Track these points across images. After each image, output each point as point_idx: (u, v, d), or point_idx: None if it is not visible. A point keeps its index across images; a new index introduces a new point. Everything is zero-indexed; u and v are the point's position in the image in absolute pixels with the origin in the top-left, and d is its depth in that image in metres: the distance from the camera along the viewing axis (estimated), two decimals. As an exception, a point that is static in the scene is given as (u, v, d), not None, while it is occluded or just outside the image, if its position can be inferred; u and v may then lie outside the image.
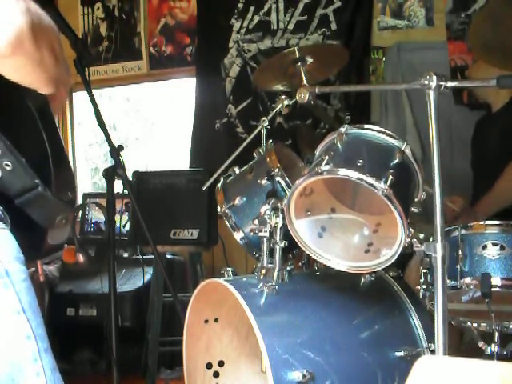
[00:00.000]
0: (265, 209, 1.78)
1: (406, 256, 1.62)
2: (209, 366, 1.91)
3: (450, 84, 1.45)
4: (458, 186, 2.82)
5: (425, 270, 1.88)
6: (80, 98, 4.37)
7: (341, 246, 1.65)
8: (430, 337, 1.69)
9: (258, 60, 3.92)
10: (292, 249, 1.89)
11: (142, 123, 5.41)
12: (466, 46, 3.40)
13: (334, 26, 3.74)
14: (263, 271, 1.76)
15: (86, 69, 2.28)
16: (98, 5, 4.42)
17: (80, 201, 3.89)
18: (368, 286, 1.85)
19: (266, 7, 3.91)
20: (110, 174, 2.36)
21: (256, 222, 1.80)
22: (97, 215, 3.83)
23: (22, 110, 1.13)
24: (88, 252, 2.71)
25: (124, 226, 3.30)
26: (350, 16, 3.70)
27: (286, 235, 1.71)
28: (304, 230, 1.63)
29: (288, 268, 1.76)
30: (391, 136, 1.63)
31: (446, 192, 1.41)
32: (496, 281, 1.75)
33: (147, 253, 3.08)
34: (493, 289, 1.73)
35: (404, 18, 3.62)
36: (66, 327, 3.28)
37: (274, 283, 1.68)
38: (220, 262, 3.26)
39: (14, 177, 1.03)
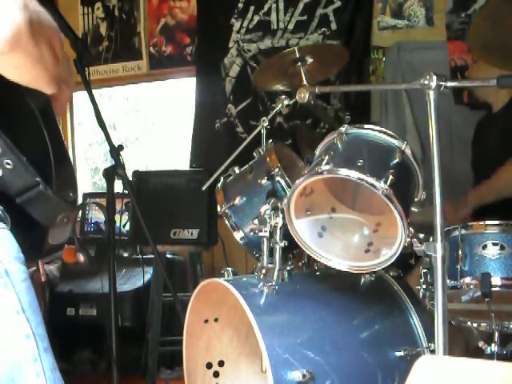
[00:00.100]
0: (265, 209, 1.78)
1: (406, 256, 1.62)
2: (209, 365, 1.91)
3: (450, 84, 1.45)
4: (458, 186, 2.82)
5: (425, 270, 1.88)
6: (80, 97, 4.36)
7: (341, 245, 1.65)
8: (430, 337, 1.69)
9: (258, 60, 3.92)
10: (292, 249, 1.89)
11: (142, 123, 5.41)
12: (466, 45, 3.40)
13: (334, 26, 3.74)
14: (263, 271, 1.76)
15: (86, 69, 2.28)
16: (98, 5, 4.42)
17: (80, 201, 3.89)
18: (368, 285, 1.85)
19: (265, 7, 3.91)
20: (110, 174, 2.36)
21: (256, 221, 1.80)
22: (97, 215, 3.83)
23: (23, 109, 1.13)
24: (88, 252, 2.71)
25: (124, 226, 3.30)
26: (350, 16, 3.70)
27: (286, 235, 1.71)
28: (304, 229, 1.63)
29: (288, 268, 1.76)
30: (391, 136, 1.63)
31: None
32: (496, 280, 1.75)
33: (147, 253, 3.08)
34: (493, 288, 1.73)
35: (404, 18, 3.62)
36: (66, 327, 3.27)
37: (273, 283, 1.68)
38: (220, 262, 3.25)
39: (15, 175, 1.03)
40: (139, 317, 3.27)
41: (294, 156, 2.22)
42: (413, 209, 1.60)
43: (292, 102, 2.11)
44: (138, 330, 3.20)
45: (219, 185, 2.09)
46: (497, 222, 1.83)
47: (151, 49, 4.29)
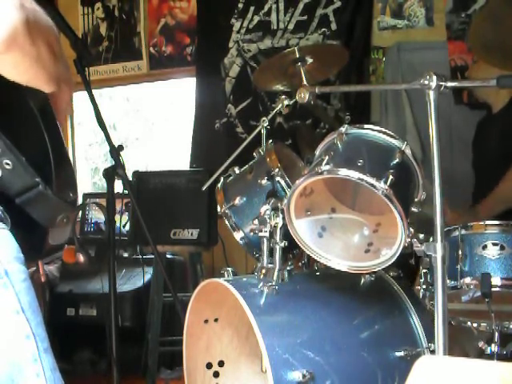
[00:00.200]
0: (265, 209, 1.78)
1: (406, 256, 1.62)
2: (209, 365, 1.91)
3: (450, 84, 1.45)
4: (458, 186, 2.82)
5: (425, 270, 1.88)
6: (80, 97, 4.35)
7: (341, 245, 1.65)
8: (430, 337, 1.68)
9: (258, 60, 3.92)
10: (292, 249, 1.89)
11: (142, 123, 5.41)
12: (466, 45, 3.40)
13: (334, 26, 3.74)
14: (263, 271, 1.76)
15: (86, 69, 2.28)
16: (98, 5, 4.42)
17: (80, 201, 3.89)
18: (368, 285, 1.85)
19: (266, 7, 3.91)
20: (110, 174, 2.36)
21: (256, 221, 1.80)
22: (97, 215, 3.83)
23: (23, 109, 1.13)
24: (88, 252, 2.71)
25: (124, 226, 3.30)
26: (350, 16, 3.70)
27: (286, 235, 1.71)
28: (304, 229, 1.63)
29: (288, 268, 1.76)
30: (391, 136, 1.63)
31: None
32: (496, 281, 1.75)
33: (147, 253, 3.08)
34: (493, 289, 1.73)
35: (404, 18, 3.62)
36: (66, 327, 3.27)
37: (274, 283, 1.68)
38: (220, 262, 3.25)
39: (14, 176, 1.03)
40: (139, 317, 3.27)
41: (294, 156, 2.22)
42: (413, 209, 1.60)
43: (292, 102, 2.11)
44: (138, 330, 3.20)
45: (219, 185, 2.09)
46: (497, 222, 1.83)
47: (151, 49, 4.29)
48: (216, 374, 1.91)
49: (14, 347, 1.01)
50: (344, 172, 1.50)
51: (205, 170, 2.96)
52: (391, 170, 1.50)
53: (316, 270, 1.96)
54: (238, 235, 2.00)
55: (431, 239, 1.43)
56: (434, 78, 1.43)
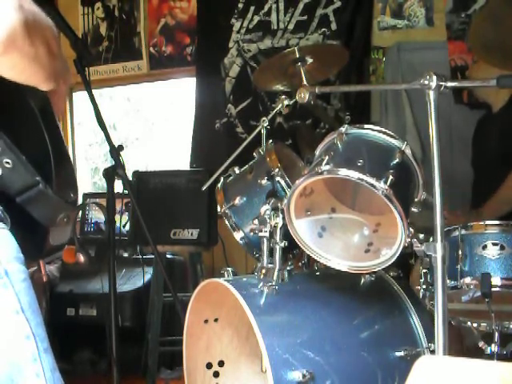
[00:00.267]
0: (265, 209, 1.78)
1: (406, 256, 1.62)
2: (209, 365, 1.91)
3: (450, 84, 1.45)
4: (457, 185, 2.82)
5: (425, 270, 1.88)
6: (80, 98, 4.37)
7: (341, 245, 1.65)
8: (430, 337, 1.69)
9: (258, 60, 3.92)
10: (292, 249, 1.89)
11: (142, 123, 5.41)
12: (466, 45, 3.40)
13: (334, 26, 3.74)
14: (263, 271, 1.76)
15: (86, 69, 2.28)
16: (98, 5, 4.42)
17: (80, 201, 3.89)
18: (368, 285, 1.85)
19: (266, 7, 3.91)
20: (110, 174, 2.36)
21: (256, 221, 1.80)
22: (97, 215, 3.83)
23: (23, 108, 1.13)
24: (88, 252, 2.71)
25: (124, 226, 3.30)
26: (350, 16, 3.70)
27: (286, 235, 1.71)
28: (304, 229, 1.63)
29: (288, 268, 1.76)
30: (391, 136, 1.63)
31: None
32: (496, 281, 1.75)
33: (147, 253, 3.08)
34: (493, 289, 1.73)
35: (404, 18, 3.62)
36: (66, 327, 3.27)
37: (274, 283, 1.68)
38: (220, 262, 3.25)
39: (15, 174, 1.03)
40: (139, 317, 3.27)
41: (294, 156, 2.22)
42: (413, 209, 1.60)
43: (292, 102, 2.11)
44: (138, 330, 3.20)
45: (219, 185, 2.09)
46: (497, 222, 1.83)
47: (151, 49, 4.29)
48: (216, 374, 1.91)
49: (14, 347, 1.01)
50: (344, 172, 1.50)
51: (205, 170, 2.96)
52: (391, 170, 1.50)
53: (316, 270, 1.96)
54: (237, 235, 2.00)
55: (431, 239, 1.43)
56: (434, 78, 1.43)
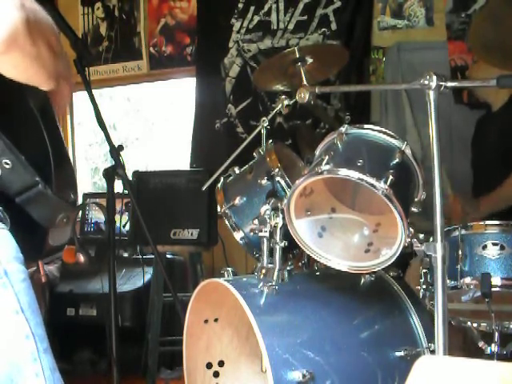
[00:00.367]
0: (265, 209, 1.77)
1: (406, 256, 1.62)
2: (209, 365, 1.91)
3: (450, 84, 1.45)
4: (458, 185, 2.82)
5: (425, 270, 1.88)
6: (80, 98, 4.36)
7: (341, 245, 1.65)
8: (430, 337, 1.68)
9: (258, 60, 3.92)
10: (292, 249, 1.89)
11: (142, 123, 5.41)
12: (466, 45, 3.40)
13: (334, 26, 3.74)
14: (263, 271, 1.76)
15: (86, 69, 2.28)
16: (98, 5, 4.42)
17: (80, 201, 3.89)
18: (368, 285, 1.85)
19: (266, 7, 3.91)
20: (110, 174, 2.36)
21: (256, 221, 1.80)
22: (97, 215, 3.83)
23: (23, 109, 1.13)
24: (88, 252, 2.71)
25: (124, 226, 3.30)
26: (350, 16, 3.70)
27: (286, 235, 1.71)
28: (304, 229, 1.62)
29: (288, 268, 1.76)
30: (391, 136, 1.63)
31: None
32: (496, 281, 1.75)
33: (147, 253, 3.08)
34: (493, 289, 1.73)
35: (404, 18, 3.62)
36: (66, 327, 3.27)
37: (274, 283, 1.68)
38: (220, 262, 3.25)
39: (14, 175, 1.03)
40: (139, 317, 3.27)
41: (294, 156, 2.22)
42: (413, 209, 1.60)
43: (292, 102, 2.11)
44: (138, 330, 3.20)
45: (219, 185, 2.09)
46: (497, 222, 1.83)
47: (151, 49, 4.29)
48: (216, 374, 1.91)
49: (14, 347, 1.01)
50: (344, 172, 1.50)
51: (205, 170, 2.97)
52: (391, 170, 1.50)
53: (316, 270, 1.96)
54: (237, 235, 2.00)
55: (431, 239, 1.43)
56: (434, 77, 1.43)
